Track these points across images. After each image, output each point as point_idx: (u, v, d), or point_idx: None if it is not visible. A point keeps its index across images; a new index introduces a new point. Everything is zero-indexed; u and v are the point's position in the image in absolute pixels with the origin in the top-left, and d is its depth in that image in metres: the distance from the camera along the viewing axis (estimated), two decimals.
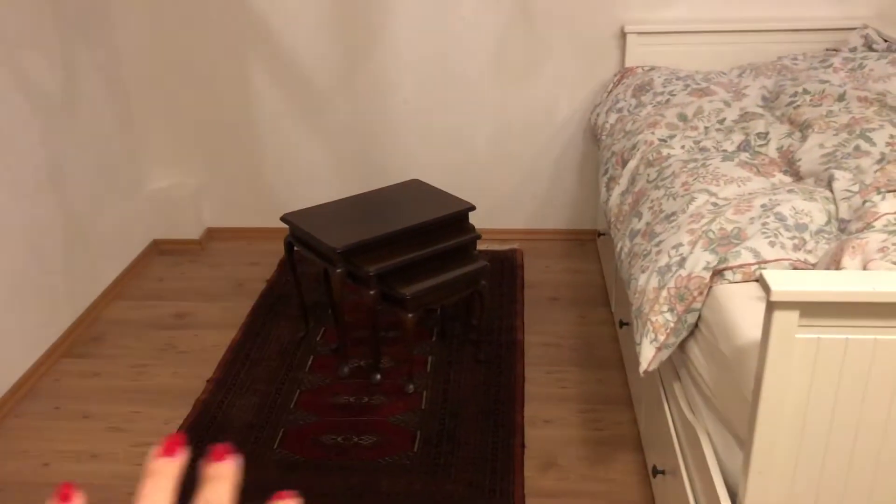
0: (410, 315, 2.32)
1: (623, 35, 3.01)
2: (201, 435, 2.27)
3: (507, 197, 3.41)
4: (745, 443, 1.33)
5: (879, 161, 1.70)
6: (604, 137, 2.71)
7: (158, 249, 3.43)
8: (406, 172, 3.36)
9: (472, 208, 2.49)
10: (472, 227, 2.52)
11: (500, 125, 3.26)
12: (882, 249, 1.38)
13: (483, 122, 3.26)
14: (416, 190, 2.65)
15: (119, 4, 3.10)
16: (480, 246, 3.20)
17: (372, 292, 2.31)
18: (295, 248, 2.53)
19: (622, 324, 2.43)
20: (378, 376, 2.50)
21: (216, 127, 3.34)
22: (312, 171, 3.40)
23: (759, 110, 2.28)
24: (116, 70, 3.14)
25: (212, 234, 3.54)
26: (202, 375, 2.56)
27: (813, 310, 1.18)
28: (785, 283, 1.16)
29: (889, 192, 1.55)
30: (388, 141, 3.32)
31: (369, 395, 2.43)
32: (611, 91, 2.91)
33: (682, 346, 1.69)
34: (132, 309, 3.00)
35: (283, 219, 2.48)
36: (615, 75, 2.99)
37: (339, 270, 2.30)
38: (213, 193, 3.47)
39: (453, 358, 2.61)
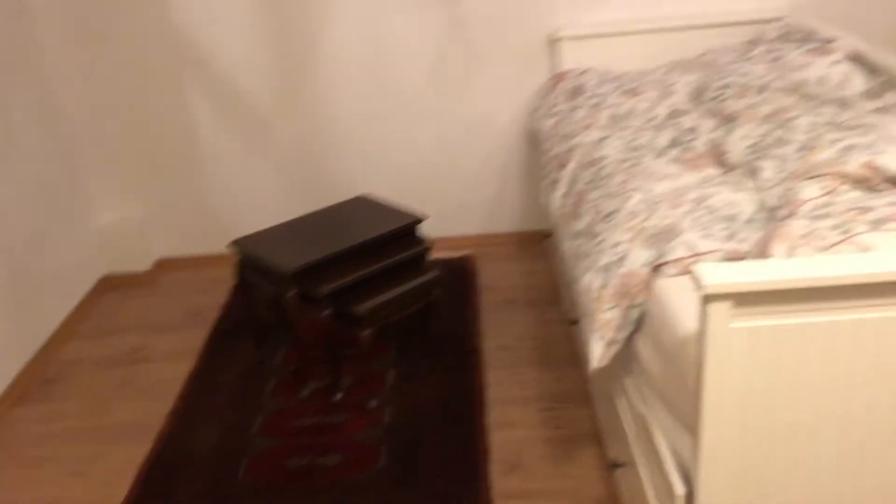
0: (366, 332, 2.35)
1: (554, 41, 3.08)
2: (167, 469, 2.25)
3: (458, 204, 3.44)
4: (693, 431, 1.39)
5: (800, 150, 1.78)
6: (543, 142, 2.76)
7: (108, 284, 3.39)
8: (354, 187, 3.38)
9: (420, 220, 2.53)
10: (422, 239, 2.55)
11: (443, 134, 3.30)
12: (806, 236, 1.46)
13: (427, 132, 3.29)
14: (363, 206, 2.67)
15: (49, 37, 3.06)
16: (435, 255, 3.24)
17: (326, 312, 2.32)
18: (246, 273, 2.53)
19: (572, 322, 2.49)
20: (339, 395, 2.51)
21: (158, 156, 3.31)
22: (259, 194, 3.39)
23: (687, 106, 2.36)
24: (50, 104, 3.10)
25: (162, 265, 3.50)
26: (163, 409, 2.54)
27: (744, 299, 1.24)
28: (715, 276, 1.22)
29: (809, 178, 1.63)
30: (333, 157, 3.33)
31: (331, 415, 2.44)
32: (546, 96, 2.97)
33: (629, 340, 1.75)
34: (86, 347, 2.96)
35: (232, 244, 2.48)
36: (549, 80, 3.05)
37: (291, 294, 2.32)
38: (161, 224, 3.44)
39: (413, 370, 2.64)
